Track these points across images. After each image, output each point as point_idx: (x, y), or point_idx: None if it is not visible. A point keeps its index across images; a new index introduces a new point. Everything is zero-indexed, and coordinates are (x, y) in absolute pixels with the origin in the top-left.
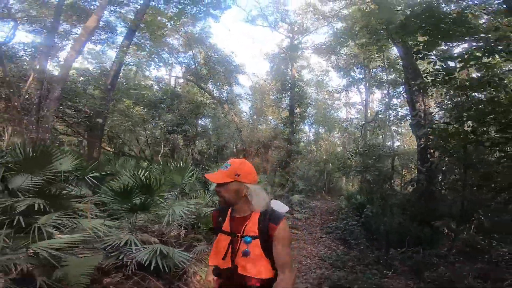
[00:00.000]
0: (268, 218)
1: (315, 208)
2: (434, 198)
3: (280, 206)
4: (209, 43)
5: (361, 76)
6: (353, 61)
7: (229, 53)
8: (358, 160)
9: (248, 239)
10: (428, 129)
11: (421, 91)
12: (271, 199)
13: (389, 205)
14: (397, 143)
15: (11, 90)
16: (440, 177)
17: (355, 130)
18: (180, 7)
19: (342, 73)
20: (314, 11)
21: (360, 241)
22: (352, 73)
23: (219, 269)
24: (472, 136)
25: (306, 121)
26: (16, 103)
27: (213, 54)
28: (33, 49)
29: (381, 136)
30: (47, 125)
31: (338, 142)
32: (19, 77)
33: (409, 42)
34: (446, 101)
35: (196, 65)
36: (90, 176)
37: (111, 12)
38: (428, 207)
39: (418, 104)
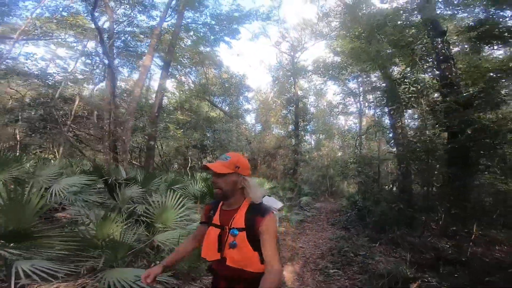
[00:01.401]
0: (256, 212)
1: (320, 208)
2: (409, 192)
3: (273, 202)
4: (220, 63)
5: (355, 85)
6: (348, 71)
7: (241, 75)
8: (353, 166)
9: (235, 232)
10: (404, 142)
11: (398, 112)
12: (264, 196)
13: (374, 199)
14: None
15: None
16: (412, 177)
17: (353, 138)
18: (199, 35)
19: (338, 83)
20: (312, 29)
21: (355, 226)
22: (348, 85)
23: (211, 264)
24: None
25: (307, 131)
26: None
27: (226, 75)
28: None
29: (376, 143)
30: (125, 149)
31: (337, 147)
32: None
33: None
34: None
35: (208, 83)
36: (175, 187)
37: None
38: (404, 199)
39: (397, 120)
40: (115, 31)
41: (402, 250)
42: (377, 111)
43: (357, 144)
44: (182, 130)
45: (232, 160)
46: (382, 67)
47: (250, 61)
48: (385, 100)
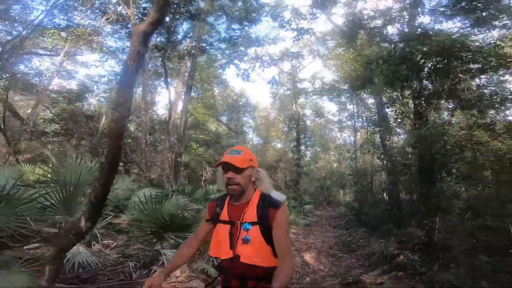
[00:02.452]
0: (268, 204)
1: (320, 215)
2: (397, 198)
3: (277, 195)
4: (225, 82)
5: (350, 104)
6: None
7: (247, 94)
8: (350, 178)
9: (248, 226)
10: (393, 157)
11: (386, 131)
12: (272, 189)
13: (369, 205)
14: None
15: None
16: (399, 186)
17: (348, 152)
18: (212, 59)
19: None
20: (310, 49)
21: (354, 226)
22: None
23: (221, 262)
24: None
25: (307, 146)
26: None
27: (233, 94)
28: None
29: (369, 157)
30: (164, 166)
31: (333, 159)
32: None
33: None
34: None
35: (215, 101)
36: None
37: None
38: (392, 203)
39: (386, 139)
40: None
41: (390, 240)
42: (369, 128)
43: (352, 158)
44: (202, 148)
45: (246, 154)
46: (375, 93)
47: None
48: (376, 120)
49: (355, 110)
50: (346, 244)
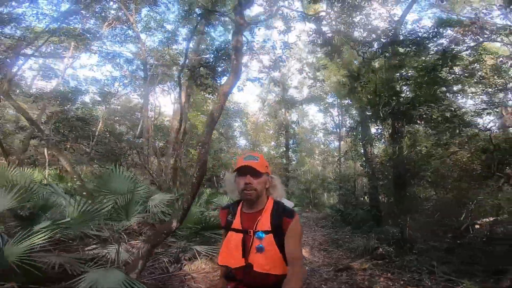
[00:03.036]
0: (282, 212)
1: (307, 217)
2: (377, 200)
3: (287, 202)
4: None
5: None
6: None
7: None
8: (335, 182)
9: (262, 235)
10: (374, 165)
11: (368, 143)
12: (284, 195)
13: (352, 207)
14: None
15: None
16: (379, 189)
17: (332, 157)
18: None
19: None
20: (299, 58)
21: (339, 226)
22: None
23: (230, 270)
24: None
25: (295, 151)
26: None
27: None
28: None
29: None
30: (167, 171)
31: (318, 162)
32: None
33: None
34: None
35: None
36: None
37: None
38: (373, 205)
39: (368, 149)
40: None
41: (371, 236)
42: (352, 137)
43: (337, 164)
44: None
45: (262, 160)
46: (358, 105)
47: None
48: (359, 130)
49: (340, 119)
50: (334, 240)
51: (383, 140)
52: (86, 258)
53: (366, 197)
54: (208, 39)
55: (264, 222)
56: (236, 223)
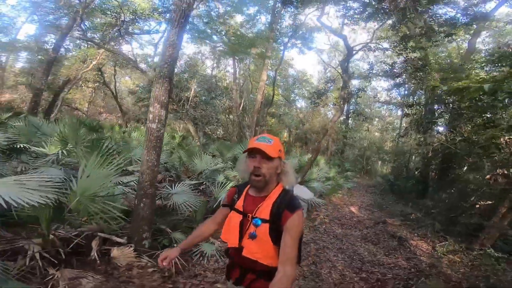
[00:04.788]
0: (285, 205)
1: (358, 182)
2: (426, 176)
3: (303, 192)
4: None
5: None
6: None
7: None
8: (390, 155)
9: (258, 222)
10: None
11: (428, 127)
12: (294, 184)
13: (403, 179)
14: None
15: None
16: (431, 167)
17: (394, 126)
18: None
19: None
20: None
21: (386, 194)
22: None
23: (228, 248)
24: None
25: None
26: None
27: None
28: None
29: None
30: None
31: (377, 129)
32: None
33: None
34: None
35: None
36: None
37: None
38: (421, 180)
39: (427, 130)
40: None
41: (409, 204)
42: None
43: (396, 139)
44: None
45: (276, 143)
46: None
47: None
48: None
49: (406, 93)
50: (379, 204)
51: (443, 125)
52: None
53: (417, 172)
54: None
55: (264, 209)
56: (239, 204)
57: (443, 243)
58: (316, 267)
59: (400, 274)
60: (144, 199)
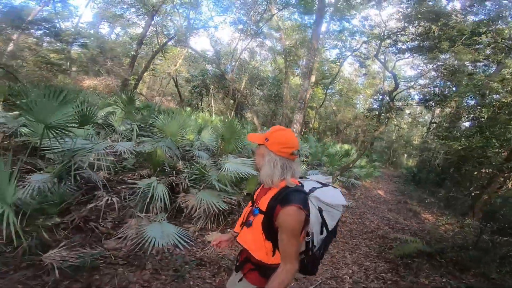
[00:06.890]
0: (280, 199)
1: (383, 172)
2: (448, 171)
3: (331, 196)
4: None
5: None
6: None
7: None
8: (417, 150)
9: (256, 212)
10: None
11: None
12: (328, 184)
13: (426, 172)
14: None
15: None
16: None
17: (424, 121)
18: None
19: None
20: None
21: (409, 184)
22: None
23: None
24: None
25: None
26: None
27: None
28: None
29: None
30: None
31: (405, 122)
32: None
33: None
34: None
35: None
36: None
37: None
38: (442, 175)
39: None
40: None
41: (426, 192)
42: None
43: (425, 135)
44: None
45: (267, 132)
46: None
47: None
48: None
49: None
50: (401, 190)
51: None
52: None
53: (439, 166)
54: None
55: (265, 201)
56: (255, 193)
57: (445, 217)
58: (361, 220)
59: (412, 229)
60: None
